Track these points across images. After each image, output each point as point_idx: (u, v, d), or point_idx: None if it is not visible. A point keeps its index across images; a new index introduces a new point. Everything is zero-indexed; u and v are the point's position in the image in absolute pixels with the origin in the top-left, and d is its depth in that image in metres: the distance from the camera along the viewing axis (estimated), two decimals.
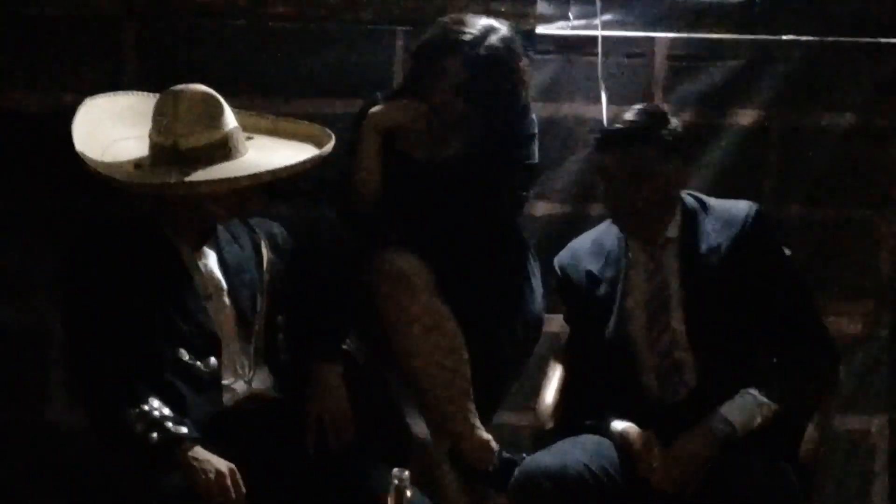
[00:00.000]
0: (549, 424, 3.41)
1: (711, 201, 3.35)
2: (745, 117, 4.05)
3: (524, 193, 3.67)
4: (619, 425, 3.23)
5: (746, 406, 3.15)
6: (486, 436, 3.50)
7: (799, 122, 4.08)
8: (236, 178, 3.13)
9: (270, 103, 3.76)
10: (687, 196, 3.35)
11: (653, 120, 3.28)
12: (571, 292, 3.43)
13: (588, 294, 3.37)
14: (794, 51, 4.07)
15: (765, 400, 3.15)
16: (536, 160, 3.66)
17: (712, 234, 3.28)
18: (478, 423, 3.49)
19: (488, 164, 3.57)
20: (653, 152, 3.23)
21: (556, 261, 3.49)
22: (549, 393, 3.47)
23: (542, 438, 3.36)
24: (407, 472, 2.72)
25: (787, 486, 3.08)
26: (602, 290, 3.35)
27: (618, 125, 3.27)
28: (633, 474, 3.16)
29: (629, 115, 3.28)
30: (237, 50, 3.79)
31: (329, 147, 3.32)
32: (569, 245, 3.53)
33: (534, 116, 3.69)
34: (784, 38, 4.08)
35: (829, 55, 4.08)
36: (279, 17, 3.80)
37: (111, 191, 3.25)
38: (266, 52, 3.81)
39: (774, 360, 3.26)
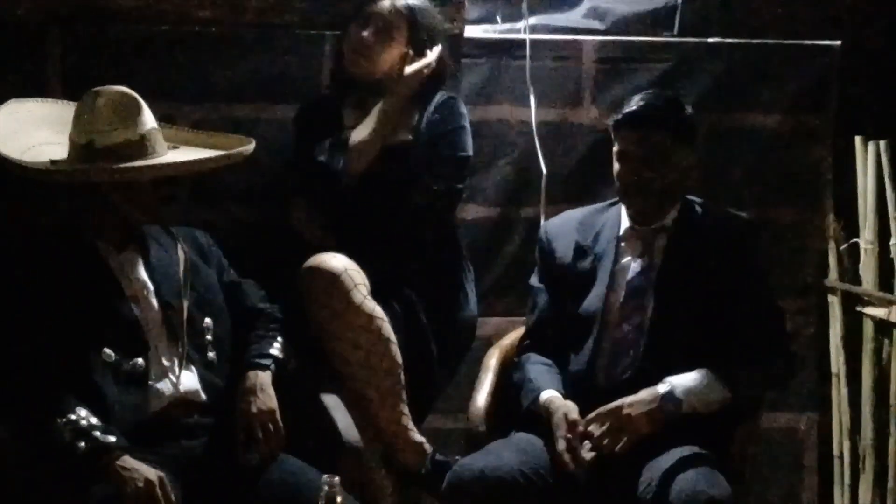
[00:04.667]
0: (482, 427, 3.41)
1: (710, 205, 3.43)
2: None
3: (458, 186, 3.67)
4: (544, 395, 3.27)
5: (699, 383, 3.19)
6: (420, 438, 3.51)
7: (725, 123, 4.12)
8: (139, 168, 3.12)
9: (196, 109, 3.75)
10: (688, 196, 3.41)
11: (670, 106, 3.33)
12: (553, 261, 3.45)
13: (571, 264, 3.41)
14: (719, 53, 4.11)
15: (719, 385, 3.19)
16: (469, 153, 3.67)
17: (704, 233, 3.34)
18: (411, 425, 3.50)
19: (418, 155, 3.58)
20: (669, 137, 3.29)
21: (544, 228, 3.52)
22: (482, 395, 3.48)
23: (476, 441, 3.36)
24: (337, 478, 2.71)
25: (715, 485, 3.10)
26: (586, 263, 3.39)
27: (636, 107, 3.30)
28: (561, 472, 3.17)
29: (646, 99, 3.32)
30: (162, 56, 3.76)
31: (244, 150, 3.31)
32: (560, 215, 3.57)
33: (464, 109, 3.70)
34: (710, 40, 4.13)
35: (754, 57, 4.13)
36: (204, 23, 3.78)
37: (34, 198, 3.21)
38: (191, 57, 3.78)
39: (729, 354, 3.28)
